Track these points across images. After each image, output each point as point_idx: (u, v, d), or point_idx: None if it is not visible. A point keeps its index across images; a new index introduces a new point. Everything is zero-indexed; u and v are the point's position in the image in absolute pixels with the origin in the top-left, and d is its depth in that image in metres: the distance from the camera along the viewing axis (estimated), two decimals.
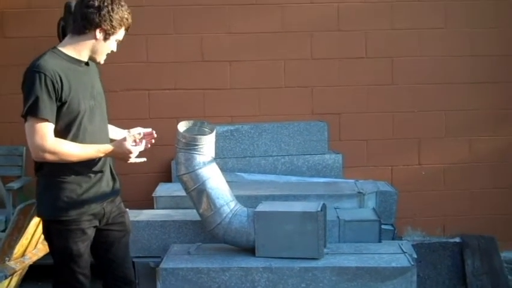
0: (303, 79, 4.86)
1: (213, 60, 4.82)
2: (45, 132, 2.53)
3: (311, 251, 3.28)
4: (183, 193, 3.53)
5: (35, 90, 2.52)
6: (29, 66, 2.60)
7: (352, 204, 3.96)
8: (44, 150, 2.53)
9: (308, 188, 4.14)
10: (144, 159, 2.81)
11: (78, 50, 2.67)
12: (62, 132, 2.59)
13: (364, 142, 4.94)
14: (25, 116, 2.55)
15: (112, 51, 2.74)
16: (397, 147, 4.93)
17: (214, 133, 3.41)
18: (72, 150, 2.58)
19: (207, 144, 3.39)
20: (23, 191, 4.54)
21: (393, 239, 3.85)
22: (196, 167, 3.37)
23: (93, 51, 2.69)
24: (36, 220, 3.05)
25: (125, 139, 2.71)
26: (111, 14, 2.63)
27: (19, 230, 3.02)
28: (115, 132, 2.98)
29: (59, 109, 2.58)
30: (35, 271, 3.60)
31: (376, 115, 4.91)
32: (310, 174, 4.55)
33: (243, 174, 4.50)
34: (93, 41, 2.66)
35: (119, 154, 2.70)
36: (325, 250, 3.36)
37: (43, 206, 2.68)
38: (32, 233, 3.10)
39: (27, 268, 3.29)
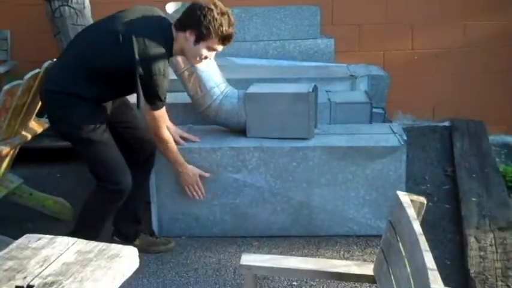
0: None
1: None
2: (164, 116, 2.90)
3: (302, 131, 3.28)
4: (173, 76, 3.46)
5: (161, 79, 2.70)
6: (148, 46, 2.67)
7: (344, 87, 3.93)
8: (161, 137, 2.92)
9: (299, 72, 4.09)
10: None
11: (174, 43, 2.77)
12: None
13: (356, 27, 4.85)
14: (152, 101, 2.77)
15: (206, 57, 2.82)
16: (390, 32, 4.85)
17: None
18: (176, 154, 3.05)
19: None
20: (10, 75, 4.46)
21: (383, 122, 3.85)
22: None
23: (183, 51, 2.80)
24: (23, 100, 3.01)
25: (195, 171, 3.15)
26: (206, 19, 2.68)
27: (6, 110, 2.97)
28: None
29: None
30: (26, 153, 3.60)
31: None
32: (302, 59, 4.48)
33: (233, 58, 4.43)
34: (184, 40, 2.75)
35: (186, 175, 3.11)
36: (316, 131, 3.37)
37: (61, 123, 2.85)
38: (20, 112, 3.06)
39: (17, 150, 3.28)
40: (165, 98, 2.80)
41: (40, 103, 3.08)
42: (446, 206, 3.65)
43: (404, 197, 1.92)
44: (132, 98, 3.04)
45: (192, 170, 3.13)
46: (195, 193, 3.15)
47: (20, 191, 3.45)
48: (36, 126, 3.34)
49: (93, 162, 2.89)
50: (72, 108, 2.77)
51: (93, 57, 2.75)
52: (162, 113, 2.86)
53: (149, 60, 2.66)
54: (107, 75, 2.74)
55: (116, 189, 2.87)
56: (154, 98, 2.76)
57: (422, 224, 1.74)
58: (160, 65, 2.68)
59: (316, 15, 4.54)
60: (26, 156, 3.67)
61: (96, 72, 2.74)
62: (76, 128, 2.79)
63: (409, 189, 3.32)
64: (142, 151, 3.05)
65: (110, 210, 2.99)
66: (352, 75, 3.97)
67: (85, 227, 2.91)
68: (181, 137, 3.27)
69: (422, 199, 1.92)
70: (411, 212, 1.84)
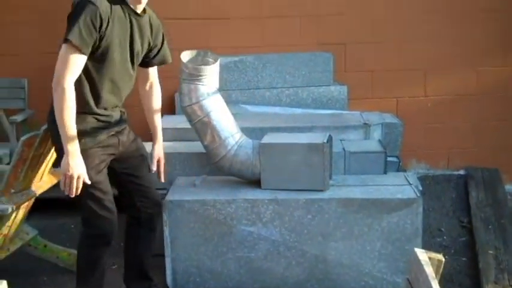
0: (307, 8, 4.74)
1: None
2: (73, 64, 2.54)
3: (317, 182, 3.27)
4: (187, 125, 3.49)
5: (81, 20, 2.50)
6: None
7: (357, 136, 3.93)
8: (60, 84, 2.53)
9: (313, 120, 4.10)
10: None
11: None
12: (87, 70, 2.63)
13: (369, 73, 4.87)
14: (64, 42, 2.53)
15: None
16: (403, 78, 4.86)
17: (218, 63, 3.34)
18: (67, 112, 2.53)
19: (211, 75, 3.33)
20: (27, 124, 4.50)
21: (398, 171, 3.84)
22: (200, 98, 3.32)
23: None
24: (40, 151, 3.03)
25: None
26: None
27: (24, 161, 3.00)
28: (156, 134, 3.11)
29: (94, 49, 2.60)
30: (41, 204, 3.60)
31: (382, 45, 4.81)
32: (315, 106, 4.52)
33: (247, 106, 4.46)
34: None
35: (73, 162, 2.56)
36: (331, 182, 3.36)
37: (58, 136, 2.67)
38: (37, 163, 3.08)
39: (33, 201, 3.29)
40: (82, 41, 2.52)
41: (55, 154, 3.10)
42: (463, 259, 3.59)
43: (422, 255, 1.90)
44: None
45: (81, 162, 2.61)
46: (72, 188, 2.58)
47: (35, 243, 3.45)
48: (52, 176, 3.35)
49: (79, 202, 2.74)
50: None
51: None
52: (73, 57, 2.54)
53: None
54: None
55: (94, 234, 2.78)
56: (70, 28, 2.52)
57: (440, 280, 1.72)
58: (88, 10, 2.52)
59: (329, 62, 4.59)
60: (41, 207, 3.67)
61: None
62: None
63: (425, 243, 3.29)
64: (144, 209, 2.97)
65: (96, 257, 2.83)
66: (365, 124, 3.98)
67: (83, 279, 2.83)
68: (158, 161, 3.08)
69: (440, 257, 1.90)
70: (429, 270, 1.82)
